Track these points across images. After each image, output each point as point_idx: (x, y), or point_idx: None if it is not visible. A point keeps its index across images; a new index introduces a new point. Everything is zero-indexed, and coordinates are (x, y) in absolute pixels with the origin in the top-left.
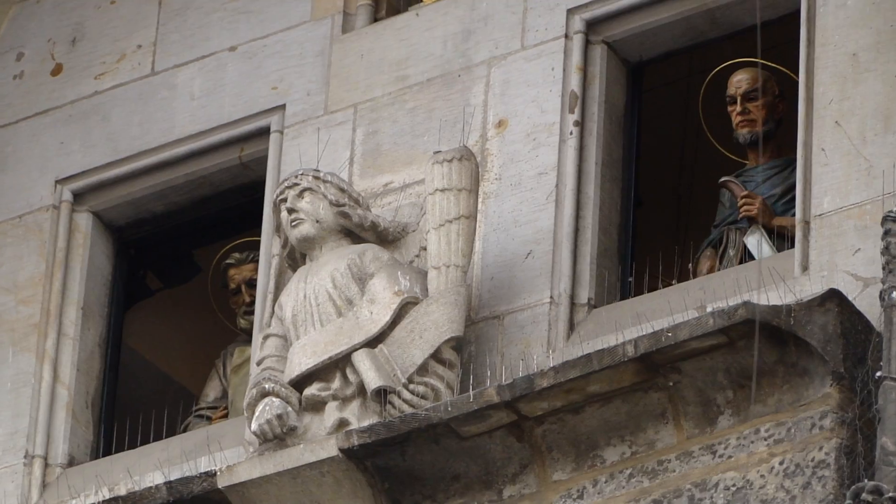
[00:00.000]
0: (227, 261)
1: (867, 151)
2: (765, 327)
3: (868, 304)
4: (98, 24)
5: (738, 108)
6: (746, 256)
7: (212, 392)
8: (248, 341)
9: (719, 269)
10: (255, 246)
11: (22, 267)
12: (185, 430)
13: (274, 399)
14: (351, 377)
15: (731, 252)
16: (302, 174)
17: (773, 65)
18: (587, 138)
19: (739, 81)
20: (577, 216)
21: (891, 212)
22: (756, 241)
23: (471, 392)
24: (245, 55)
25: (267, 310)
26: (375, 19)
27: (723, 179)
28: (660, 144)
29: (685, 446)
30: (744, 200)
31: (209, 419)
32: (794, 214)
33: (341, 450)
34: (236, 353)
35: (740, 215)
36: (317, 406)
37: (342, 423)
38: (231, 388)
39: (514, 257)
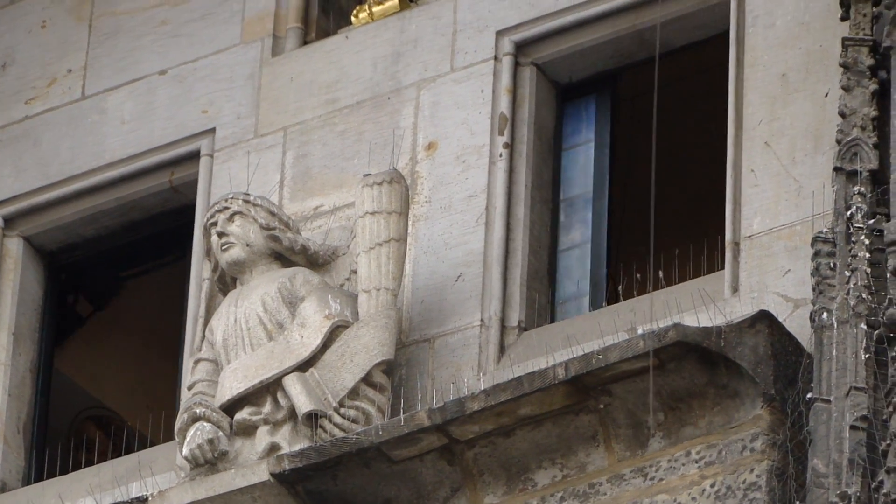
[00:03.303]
0: None
1: (797, 172)
2: (695, 349)
3: (798, 326)
4: (28, 48)
5: None
6: None
7: None
8: None
9: None
10: None
11: None
12: None
13: (205, 424)
14: (282, 401)
15: None
16: (232, 198)
17: None
18: (517, 160)
19: None
20: (508, 238)
21: (820, 233)
22: None
23: (401, 415)
24: (175, 79)
25: (198, 334)
26: (305, 42)
27: None
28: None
29: (616, 469)
30: None
31: None
32: None
33: (272, 474)
34: None
35: None
36: (248, 430)
37: (273, 448)
38: None
39: (444, 280)
